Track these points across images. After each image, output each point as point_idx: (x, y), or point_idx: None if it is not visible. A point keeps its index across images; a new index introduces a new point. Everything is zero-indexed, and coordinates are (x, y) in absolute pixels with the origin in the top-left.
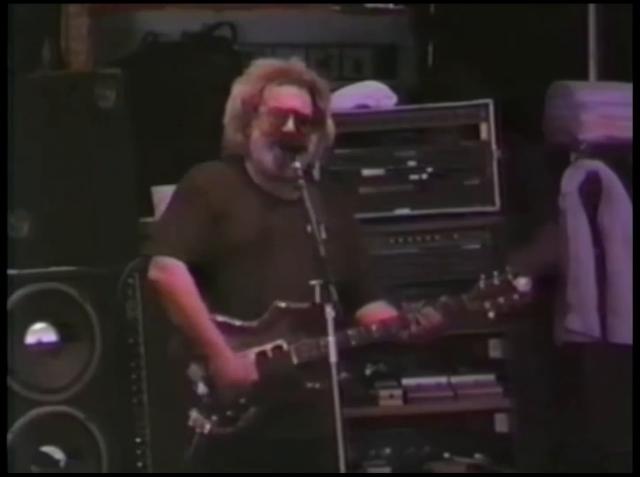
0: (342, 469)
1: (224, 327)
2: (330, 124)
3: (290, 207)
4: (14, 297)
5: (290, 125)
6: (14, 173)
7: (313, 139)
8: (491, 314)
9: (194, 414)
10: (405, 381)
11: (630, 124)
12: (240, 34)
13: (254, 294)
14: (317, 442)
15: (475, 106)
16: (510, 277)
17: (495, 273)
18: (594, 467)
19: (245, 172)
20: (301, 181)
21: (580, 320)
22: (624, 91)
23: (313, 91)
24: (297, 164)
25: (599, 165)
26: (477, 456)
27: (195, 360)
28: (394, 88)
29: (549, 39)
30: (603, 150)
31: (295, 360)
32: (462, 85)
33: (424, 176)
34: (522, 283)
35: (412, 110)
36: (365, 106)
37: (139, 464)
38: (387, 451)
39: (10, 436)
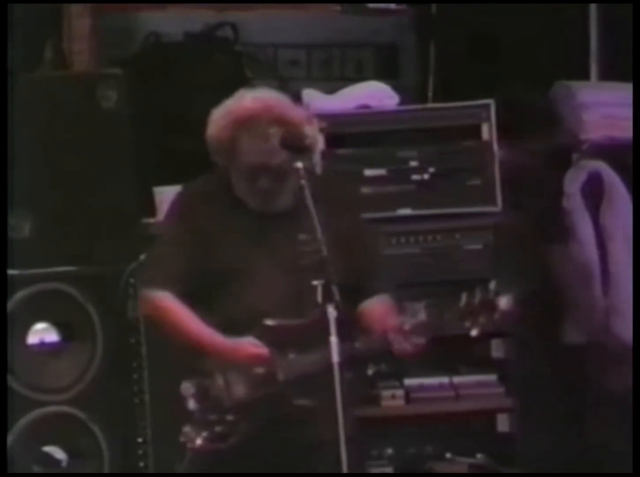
0: (344, 469)
1: None
2: (311, 130)
3: (279, 220)
4: (16, 297)
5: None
6: (15, 173)
7: (298, 164)
8: (474, 332)
9: (186, 429)
10: (408, 381)
11: (632, 124)
12: (242, 34)
13: (244, 313)
14: (308, 459)
15: (477, 106)
16: (491, 295)
17: (478, 290)
18: (595, 467)
19: (232, 189)
20: (303, 182)
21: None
22: (625, 91)
23: (281, 124)
24: (300, 164)
25: (600, 166)
26: (479, 456)
27: (187, 377)
28: (395, 88)
29: (551, 40)
30: (605, 150)
31: (281, 377)
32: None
33: (426, 176)
34: (504, 302)
35: (414, 110)
36: (367, 106)
37: (141, 464)
38: (389, 451)
39: (11, 437)
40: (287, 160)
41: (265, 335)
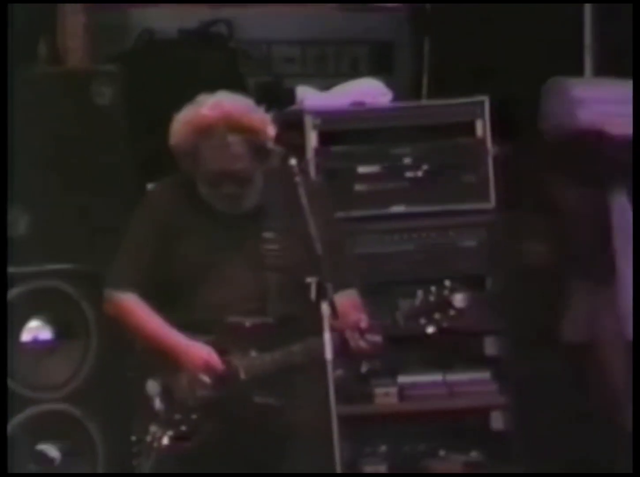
0: (339, 469)
1: None
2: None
3: (244, 220)
4: (11, 294)
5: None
6: (10, 170)
7: (292, 161)
8: (430, 329)
9: (152, 428)
10: (401, 379)
11: (626, 120)
12: (236, 30)
13: (209, 311)
14: (273, 460)
15: (471, 103)
16: (446, 293)
17: (433, 288)
18: (592, 464)
19: (197, 191)
20: (298, 178)
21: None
22: (620, 88)
23: (240, 131)
24: (293, 161)
25: None
26: (473, 453)
27: (152, 376)
28: (390, 85)
29: (545, 35)
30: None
31: (242, 375)
32: None
33: (420, 173)
34: (458, 299)
35: (407, 107)
36: (361, 103)
37: (135, 462)
38: (383, 448)
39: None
40: (249, 166)
41: (228, 333)
